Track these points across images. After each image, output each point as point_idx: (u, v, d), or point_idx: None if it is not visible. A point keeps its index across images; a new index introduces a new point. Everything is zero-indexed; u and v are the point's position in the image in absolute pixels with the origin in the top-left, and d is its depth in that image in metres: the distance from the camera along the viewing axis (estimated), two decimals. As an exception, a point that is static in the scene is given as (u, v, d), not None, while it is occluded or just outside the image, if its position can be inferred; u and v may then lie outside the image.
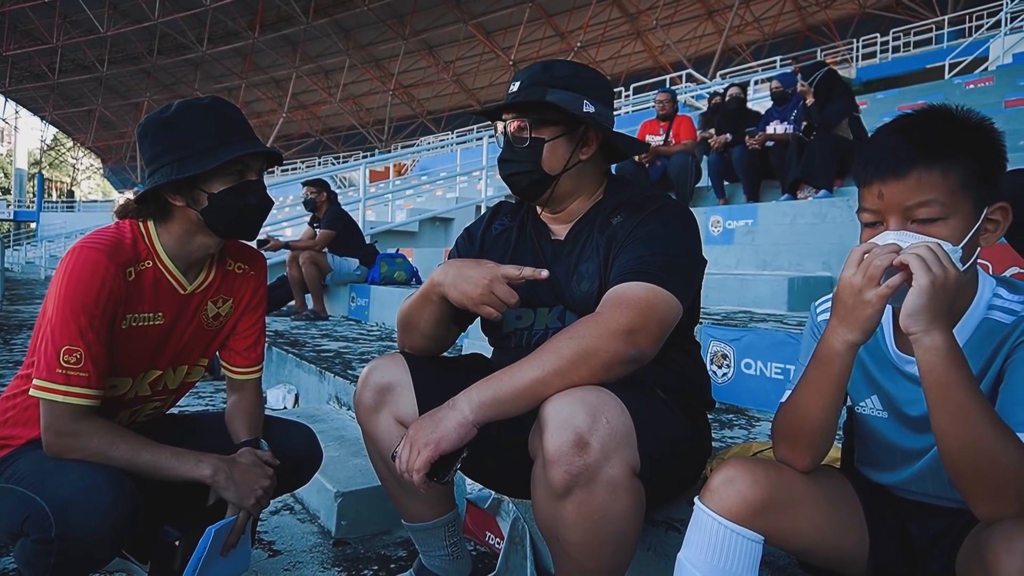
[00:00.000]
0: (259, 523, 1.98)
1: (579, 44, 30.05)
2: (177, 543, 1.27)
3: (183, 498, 1.47)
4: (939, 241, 0.87)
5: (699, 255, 1.33)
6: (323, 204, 5.46)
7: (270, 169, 1.46)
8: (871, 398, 1.06)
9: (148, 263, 1.33)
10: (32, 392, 1.22)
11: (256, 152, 1.31)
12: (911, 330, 0.84)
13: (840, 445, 1.25)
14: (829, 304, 1.08)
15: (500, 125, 1.37)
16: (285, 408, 3.38)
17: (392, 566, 1.75)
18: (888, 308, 1.03)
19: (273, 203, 1.41)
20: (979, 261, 0.99)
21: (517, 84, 1.34)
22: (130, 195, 1.37)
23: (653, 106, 6.65)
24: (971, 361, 0.92)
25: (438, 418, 1.11)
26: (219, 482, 1.29)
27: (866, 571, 1.03)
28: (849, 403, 1.12)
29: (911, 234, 0.90)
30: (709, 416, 1.48)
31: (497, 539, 1.74)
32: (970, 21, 16.81)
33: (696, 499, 0.99)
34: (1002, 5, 12.76)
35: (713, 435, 1.85)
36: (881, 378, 1.05)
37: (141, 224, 1.34)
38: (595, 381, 1.10)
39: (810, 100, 5.27)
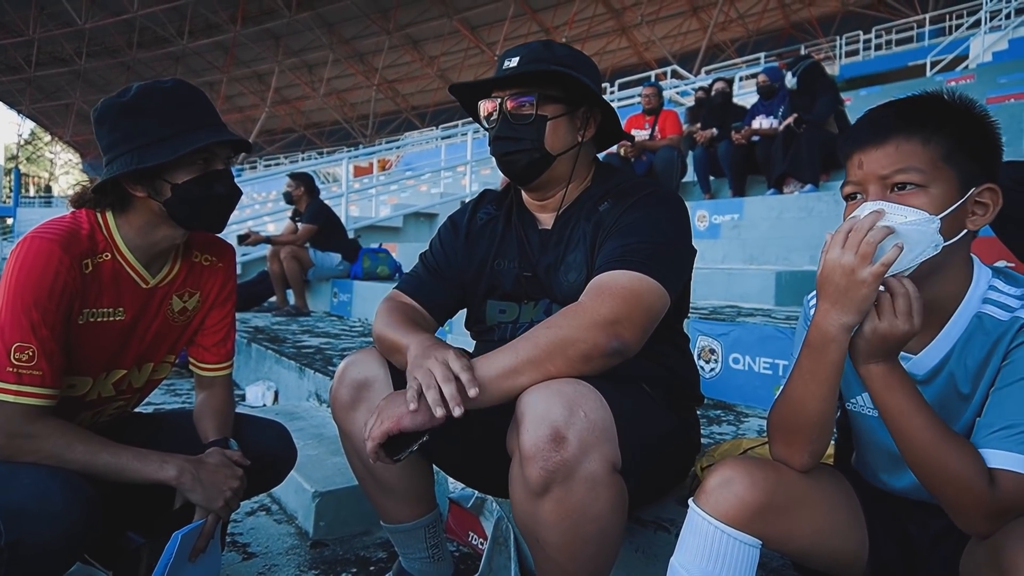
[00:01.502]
0: (234, 524, 1.92)
1: (564, 40, 29.99)
2: (141, 549, 1.21)
3: (151, 501, 1.40)
4: (918, 215, 0.84)
5: (688, 244, 1.28)
6: (300, 198, 5.38)
7: (252, 163, 1.39)
8: (861, 395, 1.02)
9: (107, 255, 1.25)
10: None
11: (222, 140, 1.23)
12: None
13: (834, 441, 1.21)
14: None
15: (489, 104, 1.29)
16: (264, 405, 3.30)
17: (371, 568, 1.69)
18: None
19: (241, 193, 1.34)
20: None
21: (516, 59, 1.26)
22: (86, 183, 1.28)
23: (639, 101, 6.61)
24: (967, 356, 0.90)
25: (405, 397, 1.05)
26: (185, 484, 1.22)
27: (865, 574, 0.99)
28: (842, 399, 1.08)
29: (889, 203, 0.87)
30: (697, 412, 1.43)
31: (480, 539, 1.69)
32: (950, 19, 16.98)
33: (691, 501, 0.94)
34: (981, 4, 12.88)
35: (701, 431, 1.81)
36: None
37: (99, 214, 1.26)
38: (573, 373, 1.05)
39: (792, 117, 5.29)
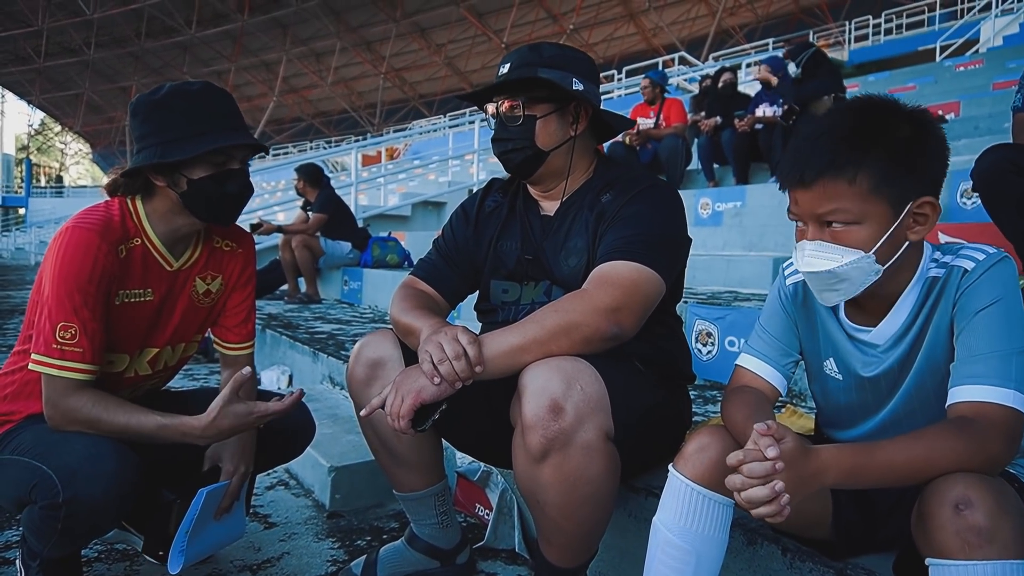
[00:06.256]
0: (255, 497, 2.04)
1: (572, 26, 29.87)
2: (171, 505, 1.32)
3: (180, 468, 1.52)
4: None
5: (684, 235, 1.38)
6: (305, 190, 5.47)
7: (261, 155, 1.49)
8: (829, 360, 1.12)
9: (137, 240, 1.37)
10: (31, 366, 1.27)
11: (237, 144, 1.33)
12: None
13: (814, 415, 1.31)
14: None
15: (491, 107, 1.40)
16: (279, 389, 3.42)
17: (384, 536, 1.81)
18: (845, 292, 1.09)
19: (253, 191, 1.44)
20: (954, 240, 1.04)
21: (507, 66, 1.37)
22: (120, 169, 1.40)
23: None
24: (918, 317, 0.99)
25: (422, 370, 1.16)
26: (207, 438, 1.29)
27: (830, 533, 1.09)
28: (808, 366, 1.18)
29: (825, 245, 0.96)
30: (693, 392, 1.53)
31: (486, 511, 1.80)
32: (962, 3, 16.82)
33: (670, 466, 1.05)
34: (993, -14, 12.77)
35: (697, 410, 1.91)
36: (839, 341, 1.11)
37: (130, 202, 1.38)
38: (574, 353, 1.15)
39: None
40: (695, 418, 1.67)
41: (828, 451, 0.88)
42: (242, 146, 1.36)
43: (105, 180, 1.42)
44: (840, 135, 0.95)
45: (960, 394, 0.92)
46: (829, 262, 0.95)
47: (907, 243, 0.97)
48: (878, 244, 0.95)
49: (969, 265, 0.96)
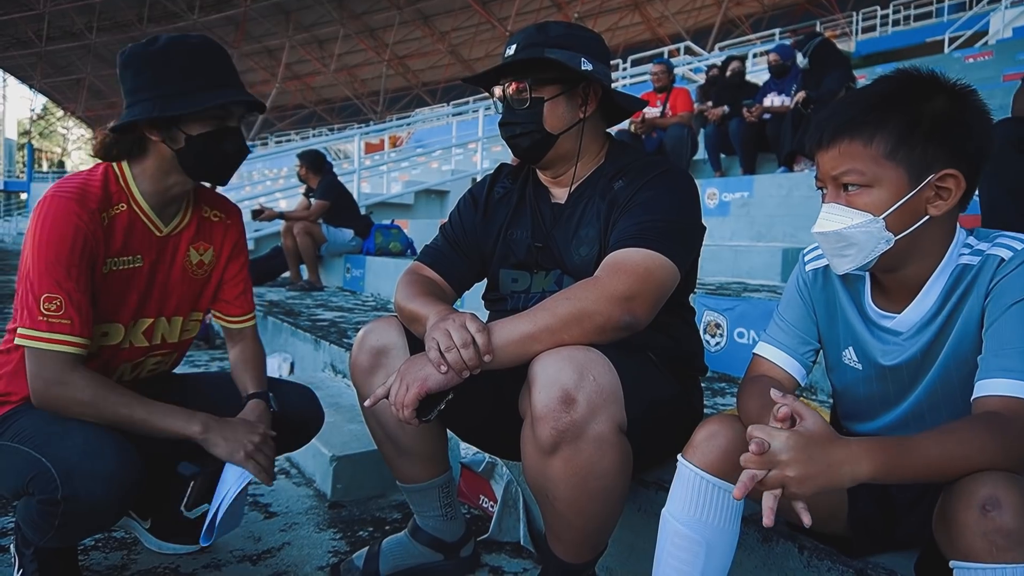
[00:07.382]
0: (255, 486, 2.01)
1: (576, 15, 29.62)
2: (194, 478, 1.28)
3: (177, 459, 1.49)
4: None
5: (698, 222, 1.33)
6: (307, 176, 5.43)
7: (264, 140, 1.46)
8: (848, 349, 1.08)
9: (121, 206, 1.32)
10: (17, 340, 1.22)
11: (239, 100, 1.30)
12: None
13: (828, 408, 1.27)
14: (819, 252, 1.10)
15: (498, 90, 1.36)
16: (281, 376, 3.39)
17: (387, 527, 1.78)
18: (866, 275, 1.05)
19: (249, 151, 1.40)
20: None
21: (513, 47, 1.32)
22: (106, 128, 1.34)
23: (650, 78, 6.59)
24: (946, 304, 0.96)
25: (428, 358, 1.12)
26: (208, 439, 1.29)
27: (846, 528, 1.06)
28: (826, 356, 1.14)
29: (838, 206, 0.94)
30: (702, 384, 1.49)
31: (491, 502, 1.77)
32: (971, -7, 16.65)
33: (679, 455, 1.01)
34: (1003, -23, 12.61)
35: (705, 403, 1.88)
36: (859, 329, 1.07)
37: (116, 166, 1.33)
38: (586, 342, 1.11)
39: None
40: (705, 411, 1.64)
41: (860, 443, 0.84)
42: (240, 104, 1.32)
43: (93, 142, 1.36)
44: (866, 99, 0.94)
45: (988, 387, 0.88)
46: (837, 224, 0.94)
47: (927, 217, 0.93)
48: (890, 210, 0.92)
49: (1006, 254, 0.92)
